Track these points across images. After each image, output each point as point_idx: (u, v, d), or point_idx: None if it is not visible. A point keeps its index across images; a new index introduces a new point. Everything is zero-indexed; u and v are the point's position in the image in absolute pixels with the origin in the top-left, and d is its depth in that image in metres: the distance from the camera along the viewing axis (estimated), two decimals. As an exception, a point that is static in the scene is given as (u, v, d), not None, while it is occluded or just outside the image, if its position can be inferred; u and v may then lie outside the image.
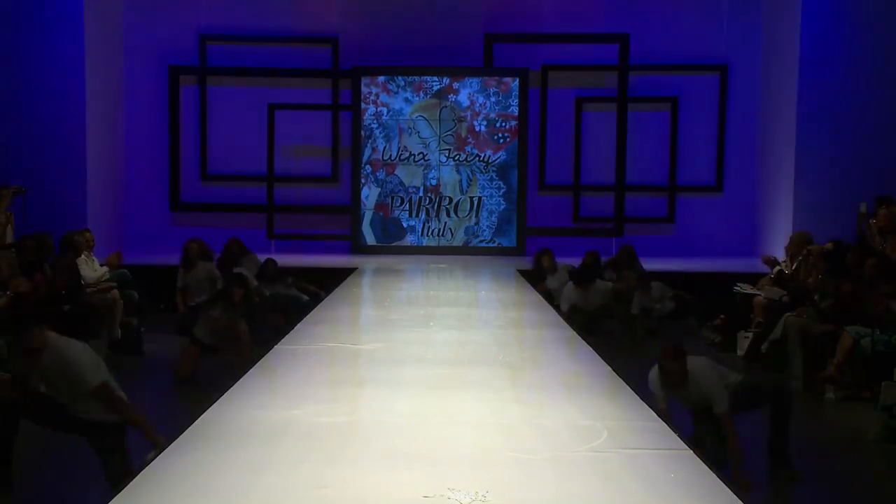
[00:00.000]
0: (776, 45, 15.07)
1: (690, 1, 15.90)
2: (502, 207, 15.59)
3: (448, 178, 15.63)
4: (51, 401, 5.26)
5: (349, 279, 11.43)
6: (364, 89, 15.49)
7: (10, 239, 10.77)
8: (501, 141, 15.57)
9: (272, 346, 6.37)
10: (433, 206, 15.63)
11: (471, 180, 15.61)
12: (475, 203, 15.62)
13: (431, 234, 15.65)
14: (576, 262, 12.07)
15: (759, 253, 13.41)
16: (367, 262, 13.74)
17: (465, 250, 15.50)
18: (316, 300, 10.16)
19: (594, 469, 3.72)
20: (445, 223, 15.64)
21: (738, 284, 11.46)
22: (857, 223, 11.93)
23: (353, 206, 15.55)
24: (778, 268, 11.34)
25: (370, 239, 15.62)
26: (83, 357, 5.23)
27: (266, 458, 3.82)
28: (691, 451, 3.94)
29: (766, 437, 5.99)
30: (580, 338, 6.96)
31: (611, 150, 15.47)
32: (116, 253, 11.17)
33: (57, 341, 5.21)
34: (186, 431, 4.13)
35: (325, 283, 11.34)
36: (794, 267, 10.90)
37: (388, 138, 15.58)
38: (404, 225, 15.64)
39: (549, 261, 12.07)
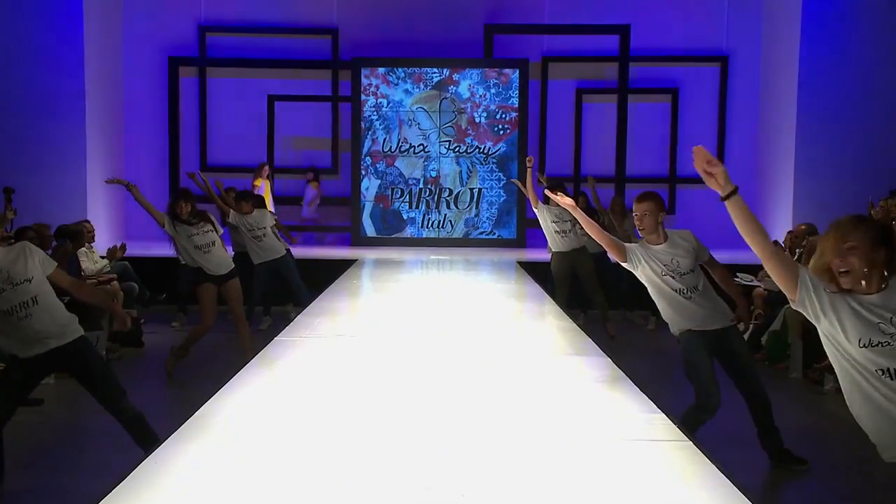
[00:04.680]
0: (776, 36, 15.06)
1: (691, -8, 15.92)
2: (502, 199, 15.59)
3: (448, 169, 15.63)
4: None
5: (349, 271, 11.42)
6: (364, 81, 15.49)
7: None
8: (502, 132, 15.56)
9: (272, 338, 6.37)
10: (433, 198, 15.63)
11: (471, 172, 15.61)
12: (475, 195, 15.62)
13: (431, 225, 15.65)
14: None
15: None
16: (367, 254, 13.73)
17: (465, 242, 15.51)
18: None
19: (594, 459, 3.73)
20: (445, 215, 15.64)
21: (738, 275, 11.47)
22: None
23: (353, 198, 15.55)
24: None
25: (370, 231, 15.62)
26: None
27: (265, 449, 3.83)
28: (690, 442, 3.94)
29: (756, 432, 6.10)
30: (581, 330, 6.96)
31: (611, 141, 15.48)
32: (121, 245, 11.18)
33: None
34: (186, 423, 4.12)
35: (325, 274, 11.33)
36: (794, 259, 10.91)
37: (388, 130, 15.58)
38: (404, 217, 15.65)
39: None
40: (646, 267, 5.68)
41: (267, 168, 14.88)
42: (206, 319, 8.63)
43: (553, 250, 10.79)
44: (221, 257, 8.69)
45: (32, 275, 5.06)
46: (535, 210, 10.76)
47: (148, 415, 5.51)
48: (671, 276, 5.65)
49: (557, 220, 10.55)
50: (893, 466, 3.39)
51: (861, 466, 6.44)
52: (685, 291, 5.66)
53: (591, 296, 10.97)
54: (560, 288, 10.68)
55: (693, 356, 5.74)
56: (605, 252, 11.05)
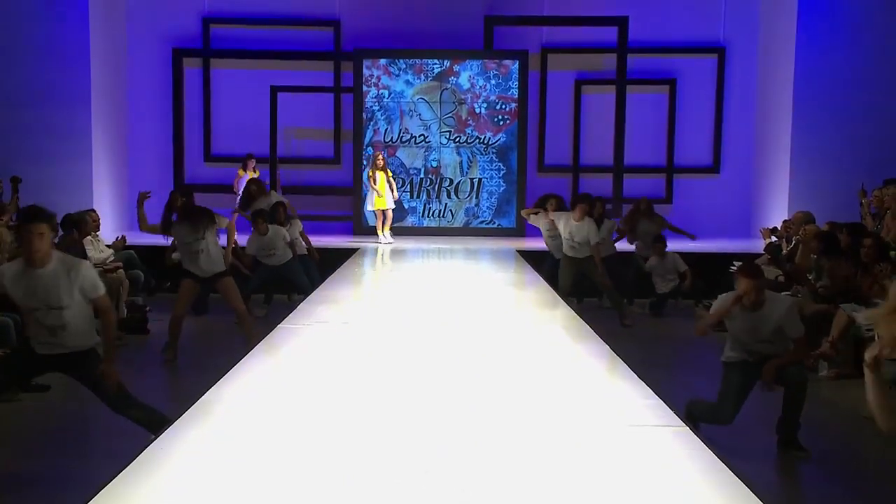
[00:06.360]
0: (774, 27, 15.13)
1: (689, -17, 15.99)
2: (502, 189, 15.69)
3: (448, 159, 15.72)
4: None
5: (351, 260, 11.51)
6: (366, 72, 15.57)
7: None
8: (501, 123, 15.65)
9: (275, 325, 6.46)
10: (434, 188, 15.73)
11: (471, 162, 15.71)
12: (475, 184, 15.72)
13: (432, 215, 15.75)
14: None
15: (757, 233, 13.54)
16: (369, 243, 13.82)
17: (465, 231, 15.61)
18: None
19: (594, 447, 3.79)
20: (446, 204, 15.74)
21: (735, 264, 11.55)
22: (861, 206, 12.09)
23: (354, 188, 15.64)
24: (769, 240, 11.50)
25: (372, 220, 15.69)
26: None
27: (267, 435, 3.90)
28: (688, 428, 4.00)
29: (777, 417, 6.17)
30: (579, 317, 7.03)
31: (609, 131, 15.56)
32: (120, 238, 11.28)
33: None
34: (189, 409, 4.16)
35: (327, 263, 11.43)
36: (790, 247, 11.00)
37: (389, 120, 15.66)
38: (405, 206, 15.74)
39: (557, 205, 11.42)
40: None
41: (382, 159, 14.30)
42: (177, 308, 8.73)
43: (567, 255, 10.74)
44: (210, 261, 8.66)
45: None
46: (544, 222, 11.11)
47: (152, 401, 5.58)
48: None
49: (571, 235, 10.61)
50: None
51: (855, 452, 6.55)
52: None
53: (609, 297, 11.03)
54: (563, 284, 10.74)
55: (730, 384, 6.15)
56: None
